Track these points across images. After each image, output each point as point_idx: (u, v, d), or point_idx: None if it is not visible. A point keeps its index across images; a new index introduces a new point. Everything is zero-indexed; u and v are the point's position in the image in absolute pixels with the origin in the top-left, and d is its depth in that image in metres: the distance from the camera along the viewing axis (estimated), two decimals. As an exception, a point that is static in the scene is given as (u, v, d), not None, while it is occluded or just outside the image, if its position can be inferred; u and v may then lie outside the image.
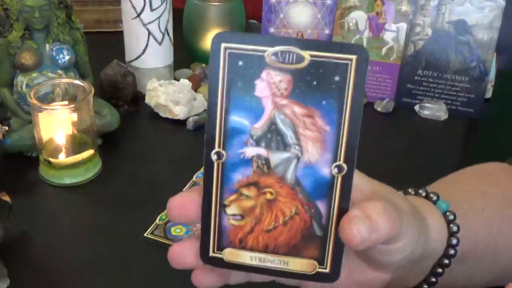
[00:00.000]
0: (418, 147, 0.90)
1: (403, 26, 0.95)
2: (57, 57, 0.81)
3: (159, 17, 0.94)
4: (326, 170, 0.36)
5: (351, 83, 0.34)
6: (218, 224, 0.37)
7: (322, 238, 0.37)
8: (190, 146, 0.89)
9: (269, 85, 0.34)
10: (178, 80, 0.94)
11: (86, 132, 0.78)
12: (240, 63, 0.34)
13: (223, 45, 0.34)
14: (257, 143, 0.35)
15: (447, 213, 0.46)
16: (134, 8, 0.93)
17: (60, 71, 0.82)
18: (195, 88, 0.96)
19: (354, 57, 0.33)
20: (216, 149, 0.35)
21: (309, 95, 0.34)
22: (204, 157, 0.36)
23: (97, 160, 0.80)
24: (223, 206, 0.37)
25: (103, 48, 1.01)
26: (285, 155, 0.35)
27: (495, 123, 0.97)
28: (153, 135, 0.91)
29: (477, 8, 0.92)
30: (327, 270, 0.37)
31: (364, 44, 0.97)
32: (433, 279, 0.46)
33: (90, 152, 0.78)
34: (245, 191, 0.36)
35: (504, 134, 0.94)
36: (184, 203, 0.39)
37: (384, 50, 0.97)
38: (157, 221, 0.72)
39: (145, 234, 0.70)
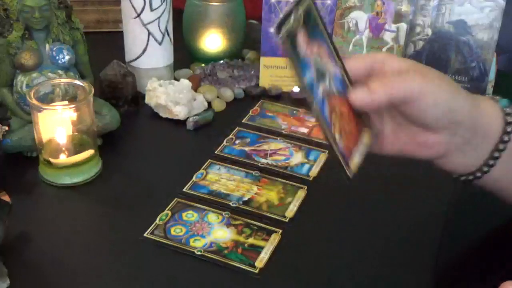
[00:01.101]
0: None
1: (403, 26, 0.95)
2: (57, 57, 0.81)
3: (159, 17, 0.94)
4: (338, 71, 0.53)
5: (318, 17, 0.51)
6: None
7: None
8: (190, 146, 0.89)
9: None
10: (178, 80, 0.94)
11: (86, 132, 0.78)
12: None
13: (282, 31, 0.46)
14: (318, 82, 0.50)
15: (506, 108, 0.56)
16: (134, 8, 0.93)
17: (60, 71, 0.82)
18: (195, 88, 0.96)
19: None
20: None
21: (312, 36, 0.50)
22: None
23: (97, 160, 0.80)
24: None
25: (103, 48, 1.01)
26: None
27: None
28: (153, 135, 0.91)
29: (477, 8, 0.92)
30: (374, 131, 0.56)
31: (364, 44, 0.97)
32: (491, 162, 0.56)
33: (90, 152, 0.78)
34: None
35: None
36: None
37: (384, 50, 0.97)
38: (157, 221, 0.72)
39: (145, 234, 0.70)
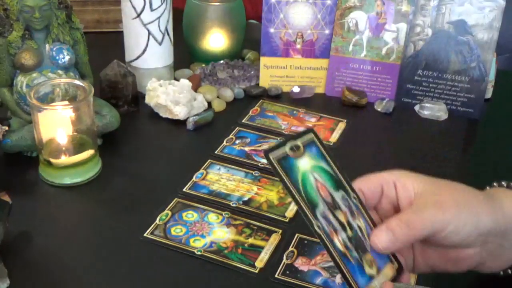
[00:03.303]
0: (418, 147, 0.90)
1: (403, 26, 0.95)
2: (57, 57, 0.81)
3: (159, 17, 0.94)
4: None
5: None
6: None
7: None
8: (190, 146, 0.89)
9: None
10: (178, 80, 0.94)
11: (86, 132, 0.78)
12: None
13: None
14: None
15: None
16: (134, 8, 0.93)
17: (60, 71, 0.82)
18: (195, 88, 0.96)
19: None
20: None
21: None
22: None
23: (97, 160, 0.80)
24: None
25: (103, 48, 1.01)
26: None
27: (495, 123, 0.97)
28: (153, 135, 0.91)
29: (477, 8, 0.92)
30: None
31: (364, 44, 0.97)
32: None
33: (90, 152, 0.78)
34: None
35: (504, 134, 0.94)
36: None
37: (384, 50, 0.97)
38: (157, 221, 0.72)
39: (145, 234, 0.70)
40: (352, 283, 0.49)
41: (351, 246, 0.50)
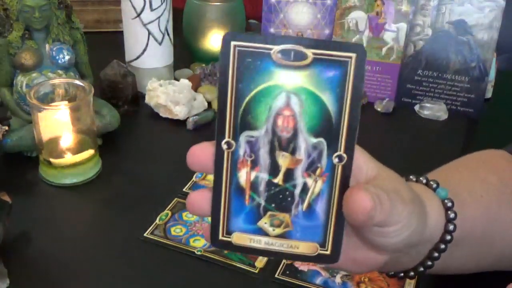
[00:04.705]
0: (418, 147, 0.90)
1: (403, 26, 0.95)
2: (57, 57, 0.81)
3: (159, 17, 0.94)
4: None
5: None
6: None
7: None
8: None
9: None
10: (178, 80, 0.94)
11: (86, 132, 0.78)
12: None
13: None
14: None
15: (446, 200, 0.48)
16: (134, 8, 0.93)
17: (60, 71, 0.82)
18: (195, 88, 0.96)
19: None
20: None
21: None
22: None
23: (97, 160, 0.80)
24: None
25: (103, 48, 1.01)
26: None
27: (495, 123, 0.97)
28: (153, 135, 0.91)
29: (477, 8, 0.92)
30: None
31: (364, 44, 0.97)
32: (429, 263, 0.48)
33: (90, 152, 0.78)
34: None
35: (504, 134, 0.94)
36: (200, 198, 0.42)
37: (384, 50, 0.97)
38: (157, 221, 0.72)
39: (145, 234, 0.70)
40: (221, 219, 0.40)
41: (262, 191, 0.39)
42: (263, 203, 0.40)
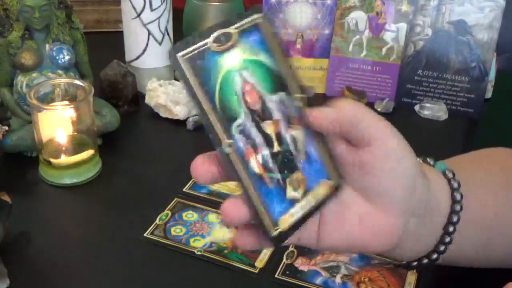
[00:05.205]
0: (418, 147, 0.89)
1: (403, 26, 0.95)
2: (57, 57, 0.81)
3: (159, 17, 0.94)
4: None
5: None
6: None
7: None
8: (190, 146, 0.89)
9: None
10: (178, 80, 0.94)
11: (86, 132, 0.78)
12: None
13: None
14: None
15: (446, 172, 0.50)
16: (134, 8, 0.93)
17: (60, 71, 0.82)
18: (195, 88, 0.96)
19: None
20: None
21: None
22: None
23: (97, 160, 0.80)
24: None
25: (103, 48, 1.01)
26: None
27: (495, 123, 0.97)
28: (153, 135, 0.91)
29: (477, 8, 0.92)
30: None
31: (364, 44, 0.97)
32: (442, 248, 0.49)
33: (90, 152, 0.78)
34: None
35: (504, 134, 0.94)
36: (233, 207, 0.42)
37: (384, 50, 0.97)
38: (157, 221, 0.72)
39: (145, 234, 0.70)
40: (264, 216, 0.41)
41: (273, 166, 0.41)
42: (279, 176, 0.42)
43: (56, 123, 0.77)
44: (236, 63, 0.40)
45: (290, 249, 0.68)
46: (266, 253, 0.68)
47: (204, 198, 0.76)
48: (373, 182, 0.44)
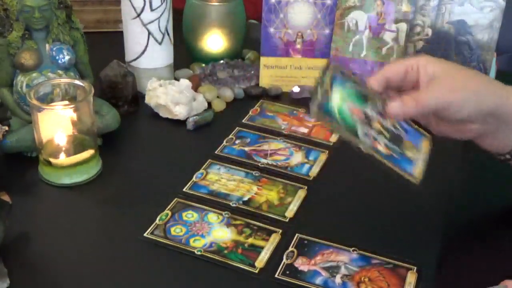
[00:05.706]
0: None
1: (403, 26, 0.95)
2: (57, 57, 0.81)
3: (159, 17, 0.94)
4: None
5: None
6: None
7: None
8: (190, 146, 0.89)
9: None
10: (178, 80, 0.94)
11: (86, 132, 0.78)
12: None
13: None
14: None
15: None
16: (134, 8, 0.93)
17: (60, 71, 0.82)
18: (195, 88, 0.96)
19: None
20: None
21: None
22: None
23: (97, 160, 0.80)
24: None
25: (103, 48, 1.01)
26: None
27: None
28: (153, 135, 0.91)
29: (477, 8, 0.92)
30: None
31: (364, 44, 0.97)
32: None
33: (90, 152, 0.78)
34: None
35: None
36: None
37: (384, 50, 0.97)
38: (157, 221, 0.72)
39: (145, 234, 0.70)
40: (403, 174, 0.61)
41: (392, 145, 0.62)
42: (397, 148, 0.64)
43: (56, 123, 0.77)
44: (339, 99, 0.61)
45: (290, 249, 0.68)
46: (266, 253, 0.68)
47: (204, 198, 0.76)
48: (448, 118, 0.65)
